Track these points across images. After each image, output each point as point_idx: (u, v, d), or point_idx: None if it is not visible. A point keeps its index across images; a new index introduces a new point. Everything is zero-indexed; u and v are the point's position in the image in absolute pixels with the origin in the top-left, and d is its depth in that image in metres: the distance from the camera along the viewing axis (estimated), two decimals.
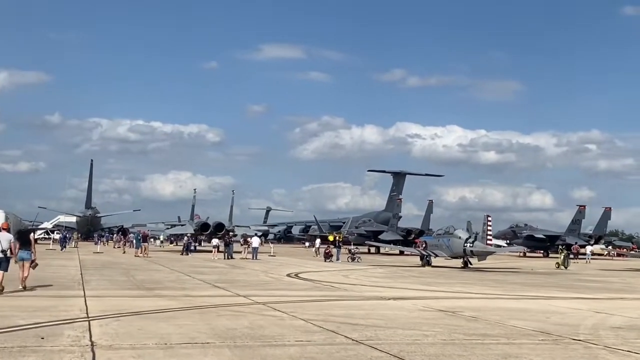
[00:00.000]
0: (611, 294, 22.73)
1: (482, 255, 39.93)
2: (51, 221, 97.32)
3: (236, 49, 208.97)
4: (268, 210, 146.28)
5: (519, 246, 68.86)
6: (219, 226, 59.46)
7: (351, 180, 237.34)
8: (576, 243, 69.05)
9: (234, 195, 67.93)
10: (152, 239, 65.66)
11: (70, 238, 68.37)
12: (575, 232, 72.38)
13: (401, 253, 61.16)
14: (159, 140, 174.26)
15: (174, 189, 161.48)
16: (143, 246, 45.62)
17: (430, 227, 65.61)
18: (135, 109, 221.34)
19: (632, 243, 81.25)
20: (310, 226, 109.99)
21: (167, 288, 20.03)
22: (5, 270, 16.92)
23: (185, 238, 56.27)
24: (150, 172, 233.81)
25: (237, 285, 21.81)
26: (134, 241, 50.37)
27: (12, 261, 17.47)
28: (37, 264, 18.59)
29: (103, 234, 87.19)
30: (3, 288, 16.50)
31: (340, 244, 53.06)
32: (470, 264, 39.96)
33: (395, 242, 67.65)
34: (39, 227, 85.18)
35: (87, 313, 13.04)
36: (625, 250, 74.36)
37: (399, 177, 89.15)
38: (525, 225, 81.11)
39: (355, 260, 46.39)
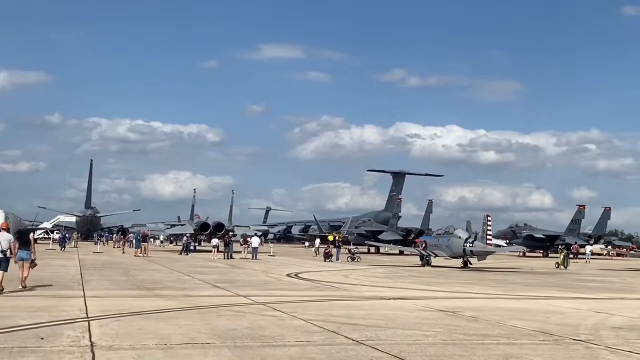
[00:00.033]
0: (611, 294, 22.72)
1: (481, 255, 39.92)
2: (51, 221, 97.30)
3: (236, 48, 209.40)
4: (268, 210, 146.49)
5: (519, 246, 68.88)
6: (219, 226, 59.45)
7: (351, 180, 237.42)
8: (576, 243, 69.06)
9: (233, 195, 68.06)
10: (151, 239, 65.66)
11: (70, 238, 68.37)
12: (574, 231, 72.40)
13: (401, 253, 61.14)
14: (158, 140, 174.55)
15: (174, 188, 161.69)
16: (143, 246, 45.61)
17: (429, 227, 65.63)
18: (135, 109, 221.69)
19: (632, 243, 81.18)
20: (309, 226, 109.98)
21: (167, 288, 20.01)
22: (5, 270, 16.90)
23: (185, 238, 56.24)
24: (150, 172, 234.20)
25: (237, 285, 21.79)
26: (134, 241, 50.35)
27: (11, 261, 17.45)
28: (36, 264, 18.57)
29: (103, 233, 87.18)
30: (2, 288, 16.47)
31: (340, 244, 53.05)
32: (470, 263, 39.94)
33: (395, 242, 67.63)
34: (39, 227, 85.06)
35: (86, 313, 13.02)
36: (624, 250, 74.32)
37: (398, 177, 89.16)
38: (525, 225, 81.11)
39: (355, 260, 46.39)
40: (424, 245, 44.19)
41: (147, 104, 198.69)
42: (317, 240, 62.59)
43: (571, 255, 55.51)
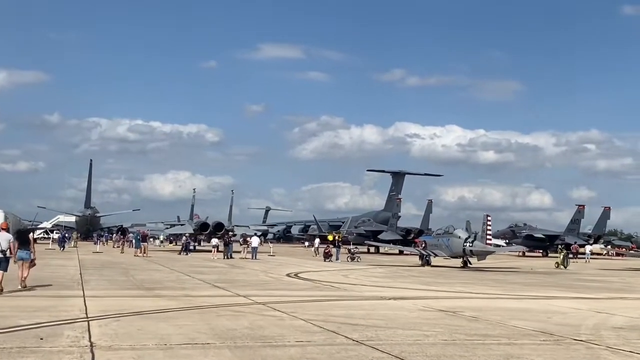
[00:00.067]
0: (611, 294, 22.70)
1: (481, 255, 39.90)
2: (50, 221, 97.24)
3: (235, 48, 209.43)
4: (267, 210, 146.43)
5: (519, 246, 68.85)
6: (219, 226, 59.40)
7: (350, 180, 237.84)
8: (575, 243, 69.06)
9: (233, 195, 67.92)
10: (151, 239, 65.61)
11: (70, 238, 68.32)
12: (574, 231, 72.39)
13: (400, 253, 61.13)
14: (158, 140, 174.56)
15: (173, 188, 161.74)
16: (142, 246, 45.57)
17: (429, 227, 65.62)
18: (135, 109, 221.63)
19: (631, 242, 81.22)
20: (309, 226, 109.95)
21: (167, 288, 19.98)
22: (5, 270, 16.88)
23: (184, 238, 56.16)
24: (149, 172, 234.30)
25: (236, 285, 21.77)
26: (134, 241, 50.30)
27: (11, 261, 17.42)
28: (35, 264, 18.55)
29: (102, 233, 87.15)
30: (2, 289, 16.43)
31: (340, 244, 53.04)
32: (470, 263, 39.93)
33: (394, 242, 67.60)
34: (38, 226, 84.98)
35: (86, 313, 12.99)
36: (624, 249, 74.33)
37: (398, 177, 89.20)
38: (525, 224, 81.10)
39: (355, 260, 46.38)
40: (423, 245, 44.18)
41: (146, 104, 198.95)
42: (317, 240, 62.59)
43: (571, 255, 55.48)
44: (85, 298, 15.92)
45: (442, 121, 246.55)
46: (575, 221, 72.80)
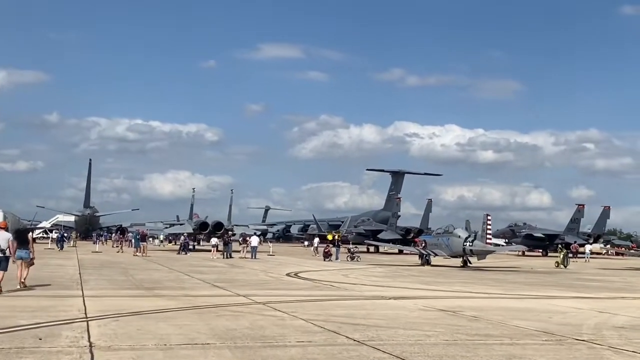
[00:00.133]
0: (612, 293, 22.65)
1: (481, 255, 39.83)
2: (50, 220, 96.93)
3: (235, 48, 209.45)
4: (267, 210, 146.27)
5: (518, 245, 68.82)
6: (218, 225, 59.30)
7: (350, 180, 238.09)
8: (575, 242, 69.02)
9: (232, 195, 67.73)
10: (150, 239, 65.46)
11: (69, 237, 68.17)
12: (574, 231, 72.38)
13: (400, 252, 61.08)
14: (157, 139, 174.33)
15: (173, 188, 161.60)
16: (142, 245, 45.50)
17: (429, 226, 65.60)
18: (134, 109, 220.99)
19: (631, 242, 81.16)
20: (309, 225, 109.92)
21: (166, 288, 19.92)
22: (5, 269, 16.82)
23: (182, 237, 56.04)
24: (148, 172, 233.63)
25: (236, 284, 21.70)
26: (133, 240, 50.20)
27: (10, 260, 17.35)
28: (33, 263, 18.49)
29: (102, 233, 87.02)
30: (0, 289, 16.34)
31: (340, 243, 53.02)
32: (470, 263, 39.87)
33: (394, 241, 67.55)
34: (38, 226, 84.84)
35: (85, 313, 12.93)
36: (624, 249, 74.29)
37: (397, 176, 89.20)
38: (524, 224, 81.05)
39: (355, 259, 46.35)
40: (423, 244, 44.14)
41: (146, 104, 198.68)
42: (316, 240, 62.54)
43: (571, 255, 55.43)
44: (84, 298, 15.85)
45: (441, 121, 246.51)
46: (575, 220, 72.78)
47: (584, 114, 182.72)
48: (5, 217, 49.51)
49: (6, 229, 17.83)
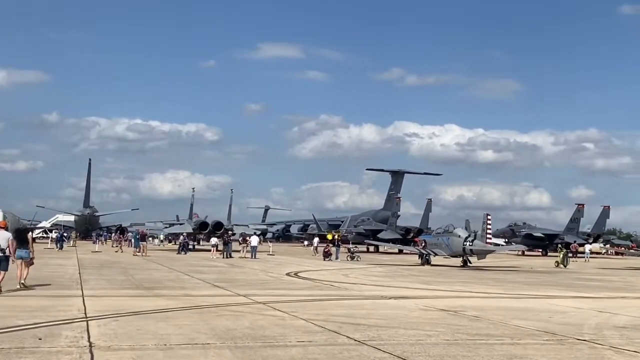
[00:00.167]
0: (612, 293, 22.63)
1: (481, 254, 39.79)
2: (49, 220, 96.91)
3: (235, 48, 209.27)
4: (266, 209, 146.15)
5: (518, 245, 68.81)
6: (218, 225, 59.28)
7: (349, 179, 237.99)
8: (575, 242, 69.01)
9: (232, 194, 67.68)
10: (150, 238, 65.40)
11: (69, 237, 68.11)
12: (573, 230, 72.37)
13: (400, 252, 61.06)
14: (157, 139, 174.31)
15: (172, 188, 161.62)
16: (142, 245, 45.47)
17: (429, 226, 65.56)
18: (134, 108, 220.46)
19: (631, 241, 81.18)
20: (308, 225, 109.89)
21: (166, 287, 19.89)
22: (6, 269, 16.80)
23: (181, 237, 55.99)
24: (148, 171, 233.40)
25: (236, 284, 21.68)
26: (133, 240, 50.15)
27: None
28: (32, 263, 18.47)
29: (101, 233, 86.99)
30: (0, 289, 16.31)
31: (340, 243, 53.01)
32: (470, 262, 39.85)
33: (394, 241, 67.54)
34: (37, 226, 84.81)
35: (85, 313, 12.90)
36: (623, 248, 74.31)
37: (397, 176, 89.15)
38: (524, 223, 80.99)
39: (355, 259, 46.33)
40: (423, 244, 44.11)
41: (145, 103, 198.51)
42: (316, 239, 62.50)
43: (570, 254, 55.42)
44: (84, 298, 15.83)
45: (441, 120, 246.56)
46: (575, 220, 72.77)
47: (583, 113, 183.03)
48: (5, 217, 49.46)
49: (6, 229, 17.80)
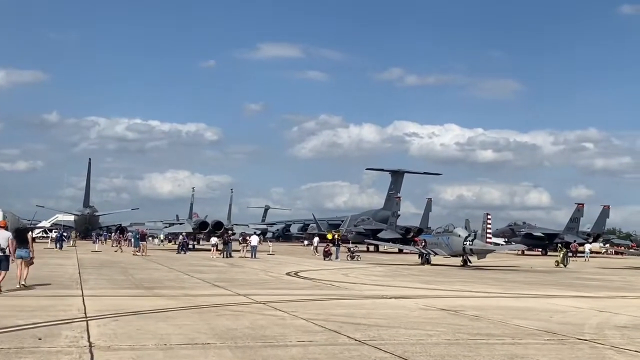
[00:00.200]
0: (612, 293, 22.61)
1: (481, 254, 39.75)
2: (49, 220, 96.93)
3: (234, 48, 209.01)
4: (266, 209, 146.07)
5: (518, 244, 68.81)
6: (218, 225, 59.27)
7: (349, 179, 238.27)
8: (575, 241, 69.00)
9: (232, 194, 67.65)
10: (150, 238, 65.33)
11: (68, 237, 68.06)
12: (573, 230, 72.37)
13: (400, 251, 61.05)
14: (156, 139, 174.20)
15: (172, 187, 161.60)
16: (142, 245, 45.44)
17: (429, 225, 65.55)
18: (133, 108, 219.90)
19: (631, 241, 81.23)
20: (308, 224, 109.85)
21: (166, 287, 19.86)
22: (7, 269, 16.79)
23: (180, 237, 55.95)
24: (148, 171, 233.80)
25: (236, 284, 21.65)
26: (132, 240, 50.12)
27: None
28: (32, 262, 18.46)
29: (101, 232, 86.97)
30: (0, 289, 16.29)
31: (340, 243, 52.99)
32: (470, 262, 39.84)
33: (394, 241, 67.55)
34: (37, 225, 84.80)
35: (85, 313, 12.88)
36: (623, 248, 74.31)
37: (397, 176, 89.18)
38: (524, 223, 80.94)
39: (355, 258, 46.32)
40: (423, 243, 44.09)
41: (145, 103, 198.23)
42: (316, 239, 62.49)
43: (570, 254, 55.42)
44: (84, 297, 15.80)
45: (440, 120, 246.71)
46: (575, 220, 72.76)
47: (583, 113, 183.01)
48: (4, 217, 49.42)
49: (6, 228, 17.78)
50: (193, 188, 79.73)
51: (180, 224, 73.06)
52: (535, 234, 76.17)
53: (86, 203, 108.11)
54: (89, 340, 9.73)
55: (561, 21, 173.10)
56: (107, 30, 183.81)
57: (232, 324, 11.70)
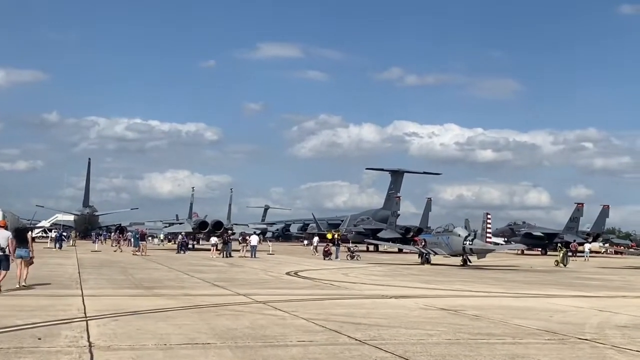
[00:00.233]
0: (612, 292, 22.59)
1: (481, 253, 39.74)
2: (49, 220, 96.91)
3: (234, 47, 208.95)
4: (266, 209, 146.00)
5: (518, 244, 68.80)
6: (218, 224, 59.23)
7: (349, 179, 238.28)
8: (574, 241, 68.99)
9: (232, 194, 67.60)
10: (150, 238, 65.27)
11: (68, 236, 68.02)
12: (573, 229, 72.34)
13: (400, 251, 61.04)
14: (156, 138, 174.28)
15: (172, 187, 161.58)
16: (141, 245, 45.41)
17: (428, 225, 65.52)
18: (133, 108, 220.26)
19: (631, 241, 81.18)
20: (308, 224, 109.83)
21: (166, 287, 19.83)
22: (7, 268, 16.78)
23: (180, 236, 55.89)
24: (148, 171, 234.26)
25: (236, 283, 21.63)
26: (132, 240, 50.09)
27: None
28: (32, 262, 18.44)
29: (101, 232, 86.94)
30: (0, 289, 16.27)
31: (339, 242, 52.98)
32: (470, 261, 39.83)
33: (394, 240, 67.53)
34: (37, 225, 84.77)
35: (84, 313, 12.85)
36: (623, 247, 74.31)
37: (396, 175, 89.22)
38: (523, 223, 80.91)
39: (354, 258, 46.30)
40: (423, 243, 44.07)
41: (145, 103, 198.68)
42: (315, 239, 62.49)
43: (570, 254, 55.40)
44: (84, 297, 15.77)
45: (440, 120, 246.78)
46: (574, 219, 72.74)
47: (582, 113, 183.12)
48: (4, 216, 49.37)
49: (5, 228, 17.77)
50: (193, 188, 79.82)
51: (180, 223, 72.99)
52: (534, 233, 76.16)
53: (86, 203, 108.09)
54: (88, 340, 9.70)
55: (561, 21, 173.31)
56: (107, 30, 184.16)
57: (232, 323, 11.68)
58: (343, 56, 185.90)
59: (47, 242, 59.52)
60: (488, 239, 41.19)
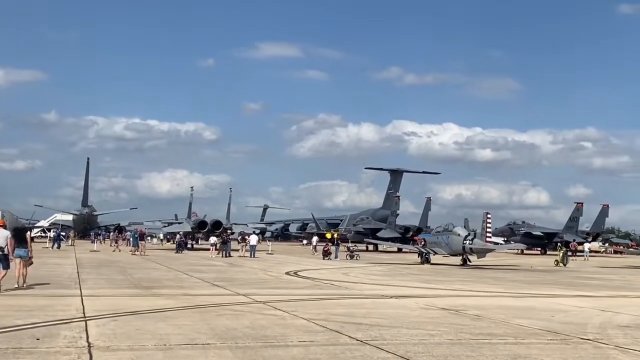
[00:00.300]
0: (612, 292, 22.55)
1: (481, 253, 39.70)
2: (47, 219, 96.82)
3: (234, 47, 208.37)
4: (265, 208, 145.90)
5: (517, 243, 68.76)
6: (217, 224, 59.14)
7: (348, 178, 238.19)
8: (574, 240, 68.98)
9: (231, 193, 67.50)
10: (149, 237, 65.18)
11: (66, 236, 67.90)
12: (572, 229, 72.34)
13: (399, 250, 60.98)
14: (155, 138, 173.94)
15: (171, 187, 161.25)
16: (140, 244, 45.32)
17: (428, 225, 65.46)
18: (132, 107, 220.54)
19: (630, 240, 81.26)
20: (307, 224, 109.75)
21: (165, 287, 19.76)
22: (7, 267, 16.70)
23: (178, 236, 55.78)
24: (146, 170, 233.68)
25: (236, 283, 21.55)
26: (131, 239, 50.01)
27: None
28: (31, 262, 18.36)
29: (100, 232, 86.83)
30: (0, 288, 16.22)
31: (339, 242, 52.93)
32: (469, 261, 39.79)
33: (393, 240, 67.48)
34: (35, 225, 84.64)
35: (83, 313, 12.78)
36: (622, 247, 74.30)
37: (396, 175, 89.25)
38: (523, 222, 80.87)
39: (354, 258, 46.24)
40: (423, 242, 44.02)
41: (144, 103, 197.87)
42: (315, 238, 62.42)
43: (570, 253, 55.35)
44: (83, 297, 15.70)
45: (439, 119, 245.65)
46: (574, 219, 72.76)
47: (581, 112, 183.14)
48: (3, 216, 49.30)
49: (4, 228, 17.69)
50: (192, 187, 79.41)
51: (179, 223, 72.92)
52: (534, 233, 76.15)
53: (84, 202, 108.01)
54: (87, 341, 9.63)
55: (560, 21, 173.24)
56: (106, 29, 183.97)
57: (232, 323, 11.61)
58: (342, 56, 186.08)
59: (46, 242, 59.40)
60: (488, 239, 41.13)
